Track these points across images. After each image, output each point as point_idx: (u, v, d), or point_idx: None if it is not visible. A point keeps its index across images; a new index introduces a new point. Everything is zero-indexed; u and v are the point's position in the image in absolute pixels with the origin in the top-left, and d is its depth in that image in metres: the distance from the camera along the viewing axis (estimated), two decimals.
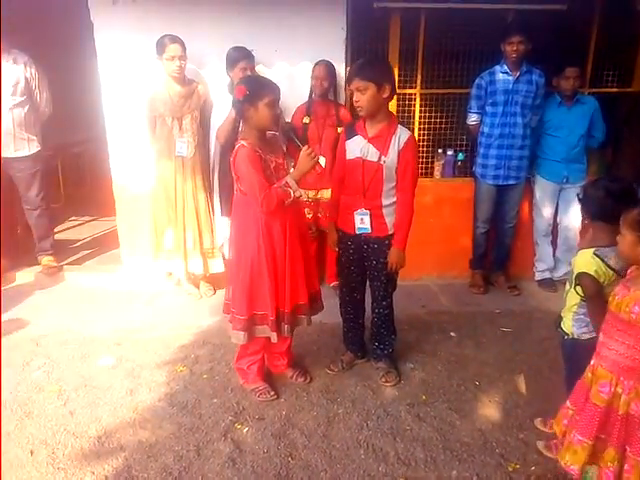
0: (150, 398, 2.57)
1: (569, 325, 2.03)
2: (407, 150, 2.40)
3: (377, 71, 2.34)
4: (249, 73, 3.24)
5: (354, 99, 2.36)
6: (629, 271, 1.76)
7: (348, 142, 2.49)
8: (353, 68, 2.41)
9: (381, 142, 2.40)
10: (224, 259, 3.61)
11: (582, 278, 1.88)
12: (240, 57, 3.28)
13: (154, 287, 3.81)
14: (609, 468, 1.71)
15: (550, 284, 3.83)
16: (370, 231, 2.50)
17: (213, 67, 3.55)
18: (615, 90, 3.83)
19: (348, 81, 2.39)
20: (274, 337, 2.41)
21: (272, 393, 2.56)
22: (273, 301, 2.37)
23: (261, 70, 3.53)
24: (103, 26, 3.46)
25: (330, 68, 3.41)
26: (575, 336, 2.00)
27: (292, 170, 2.35)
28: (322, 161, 3.39)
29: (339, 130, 3.40)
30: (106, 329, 3.23)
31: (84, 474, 2.09)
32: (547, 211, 3.76)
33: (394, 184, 2.46)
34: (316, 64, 3.41)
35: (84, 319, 3.37)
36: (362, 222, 2.50)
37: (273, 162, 2.30)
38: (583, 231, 2.24)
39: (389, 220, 2.50)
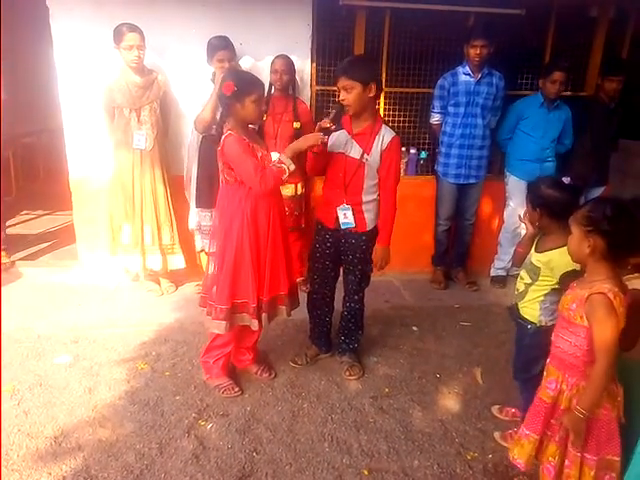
0: (110, 396, 2.50)
1: (535, 315, 2.09)
2: (390, 151, 2.43)
3: (363, 70, 2.35)
4: (226, 65, 3.18)
5: (340, 97, 2.38)
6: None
7: (333, 134, 2.47)
8: (340, 66, 2.41)
9: (364, 140, 2.42)
10: (185, 254, 3.56)
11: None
12: (219, 47, 3.21)
13: (112, 283, 3.71)
14: (550, 463, 1.76)
15: (501, 281, 3.96)
16: (354, 225, 2.52)
17: (175, 57, 3.48)
18: (569, 94, 3.99)
19: (335, 79, 2.39)
20: (254, 324, 2.41)
21: (237, 389, 2.54)
22: (255, 289, 2.37)
23: (245, 62, 3.48)
24: (59, 12, 3.33)
25: (289, 61, 3.36)
26: (543, 323, 2.07)
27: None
28: (275, 157, 3.40)
29: (295, 125, 3.37)
30: (62, 326, 3.12)
31: (40, 475, 2.02)
32: (518, 210, 3.74)
33: (375, 182, 2.48)
34: (276, 57, 3.35)
35: (39, 316, 3.24)
36: (345, 217, 2.51)
37: (259, 152, 2.33)
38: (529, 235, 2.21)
39: (368, 216, 2.52)
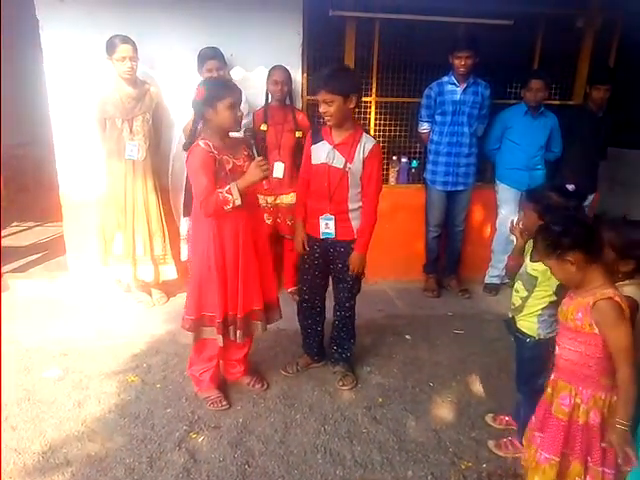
0: (99, 410, 2.47)
1: (533, 328, 2.07)
2: (372, 158, 2.44)
3: (344, 83, 2.35)
4: (215, 74, 3.19)
5: (321, 109, 2.38)
6: None
7: (314, 147, 2.50)
8: (320, 79, 2.40)
9: (346, 149, 2.43)
10: (177, 264, 3.54)
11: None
12: (208, 57, 3.24)
13: (103, 294, 3.67)
14: None
15: (494, 288, 3.96)
16: (334, 236, 2.52)
17: (166, 68, 3.49)
18: (558, 102, 4.04)
19: (315, 91, 2.39)
20: (220, 340, 2.37)
21: (224, 403, 2.51)
22: (221, 304, 2.33)
23: (236, 73, 3.50)
24: (49, 23, 3.33)
25: (288, 72, 3.40)
26: (541, 337, 2.05)
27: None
28: (281, 167, 3.41)
29: (297, 135, 3.41)
30: (51, 339, 3.08)
31: None
32: (510, 219, 3.71)
33: (359, 190, 2.49)
34: (273, 68, 3.39)
35: (28, 328, 3.20)
36: (327, 227, 2.51)
37: (230, 163, 2.26)
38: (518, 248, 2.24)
39: (355, 224, 2.53)
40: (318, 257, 2.62)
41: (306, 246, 2.62)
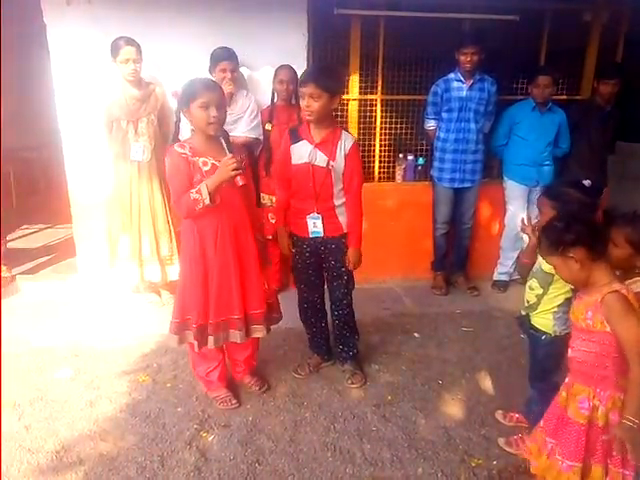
0: (111, 409, 2.49)
1: (549, 325, 2.07)
2: (352, 154, 2.46)
3: (334, 81, 2.36)
4: (229, 75, 3.21)
5: (304, 103, 2.34)
6: None
7: (293, 146, 2.48)
8: (310, 72, 2.42)
9: (328, 147, 2.43)
10: None
11: None
12: (221, 57, 3.25)
13: (113, 295, 3.70)
14: None
15: (503, 285, 3.94)
16: (322, 234, 2.53)
17: (171, 70, 3.50)
18: (565, 97, 4.01)
19: (303, 83, 2.34)
20: (196, 346, 2.35)
21: (234, 401, 2.51)
22: (199, 308, 2.32)
23: (243, 73, 3.52)
24: (57, 27, 3.36)
25: (294, 71, 3.41)
26: (557, 333, 2.05)
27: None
28: None
29: None
30: (63, 340, 3.11)
31: None
32: (518, 215, 3.55)
33: (342, 186, 2.50)
34: (279, 68, 3.40)
35: (40, 330, 3.23)
36: (315, 226, 2.52)
37: (208, 165, 2.19)
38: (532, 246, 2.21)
39: (342, 219, 2.54)
40: (309, 256, 2.62)
41: (291, 249, 2.65)
